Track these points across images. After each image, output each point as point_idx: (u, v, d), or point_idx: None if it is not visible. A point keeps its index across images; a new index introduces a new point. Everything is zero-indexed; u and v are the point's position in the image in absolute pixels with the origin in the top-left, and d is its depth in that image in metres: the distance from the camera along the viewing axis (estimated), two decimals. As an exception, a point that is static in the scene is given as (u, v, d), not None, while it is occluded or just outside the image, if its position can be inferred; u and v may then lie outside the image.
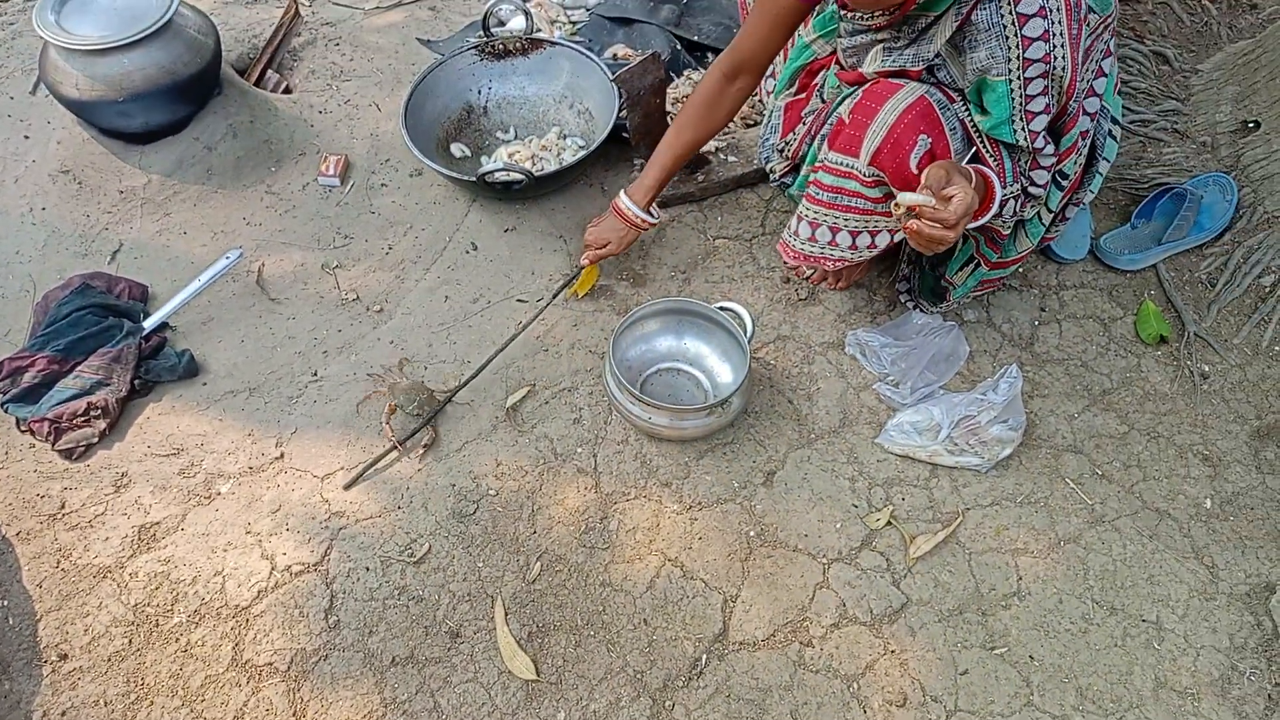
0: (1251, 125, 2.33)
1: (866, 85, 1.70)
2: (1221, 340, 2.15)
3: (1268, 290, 2.19)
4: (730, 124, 2.51)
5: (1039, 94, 1.58)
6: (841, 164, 1.69)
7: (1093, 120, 1.76)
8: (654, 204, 2.07)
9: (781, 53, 2.02)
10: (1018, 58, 1.53)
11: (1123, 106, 2.48)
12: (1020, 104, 1.59)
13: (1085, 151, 1.79)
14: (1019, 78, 1.55)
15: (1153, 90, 2.57)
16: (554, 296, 2.14)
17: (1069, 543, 1.85)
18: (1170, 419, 2.03)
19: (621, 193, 2.06)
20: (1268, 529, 1.87)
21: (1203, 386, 2.08)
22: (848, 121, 1.67)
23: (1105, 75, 1.75)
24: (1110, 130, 1.88)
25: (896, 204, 1.49)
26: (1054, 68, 1.55)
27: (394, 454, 1.92)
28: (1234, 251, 2.24)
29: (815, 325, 2.17)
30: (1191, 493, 1.92)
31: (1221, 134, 2.41)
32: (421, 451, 1.93)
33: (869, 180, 1.67)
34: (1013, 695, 1.66)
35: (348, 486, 1.88)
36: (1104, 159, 1.89)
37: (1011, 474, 1.94)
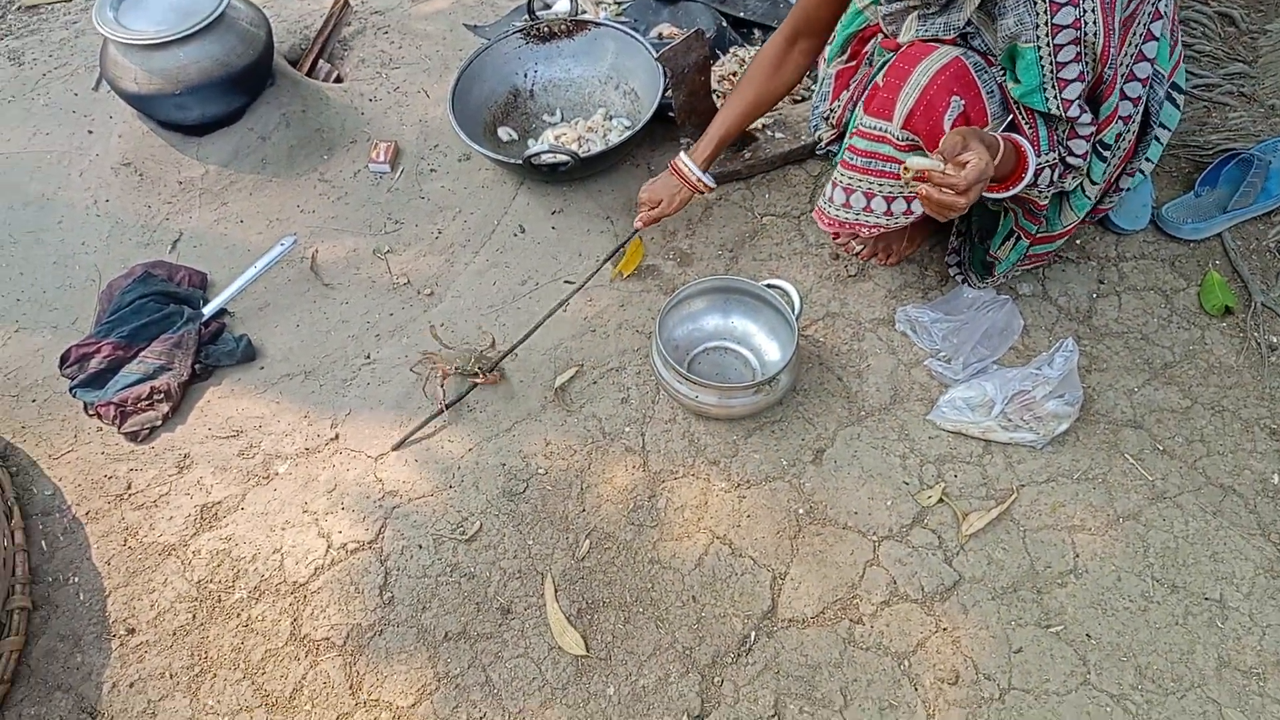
0: (1323, 86, 2.24)
1: (902, 49, 1.68)
2: (1291, 310, 2.07)
3: (1341, 258, 2.10)
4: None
5: (1071, 61, 1.54)
6: (875, 128, 1.67)
7: (1144, 86, 1.71)
8: (710, 169, 2.06)
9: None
10: (1046, 24, 1.50)
11: (1186, 71, 2.40)
12: (1051, 71, 1.55)
13: (1138, 119, 1.73)
14: (1048, 44, 1.52)
15: (1218, 53, 2.48)
16: (608, 258, 2.17)
17: (1128, 519, 1.80)
18: (1236, 392, 1.97)
19: (680, 152, 2.05)
20: (1340, 505, 1.80)
21: (1270, 358, 2.01)
22: (882, 85, 1.65)
23: (1156, 39, 1.69)
24: (1170, 95, 1.82)
25: (906, 167, 1.47)
26: (1085, 33, 1.50)
27: (442, 417, 1.97)
28: (1304, 218, 2.16)
29: (865, 302, 2.14)
30: (1258, 468, 1.86)
31: (1291, 97, 2.32)
32: (495, 380, 2.00)
33: (903, 144, 1.64)
34: (1069, 674, 1.63)
35: (396, 448, 1.92)
36: (1163, 126, 1.83)
37: (1068, 450, 1.90)
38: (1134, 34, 1.67)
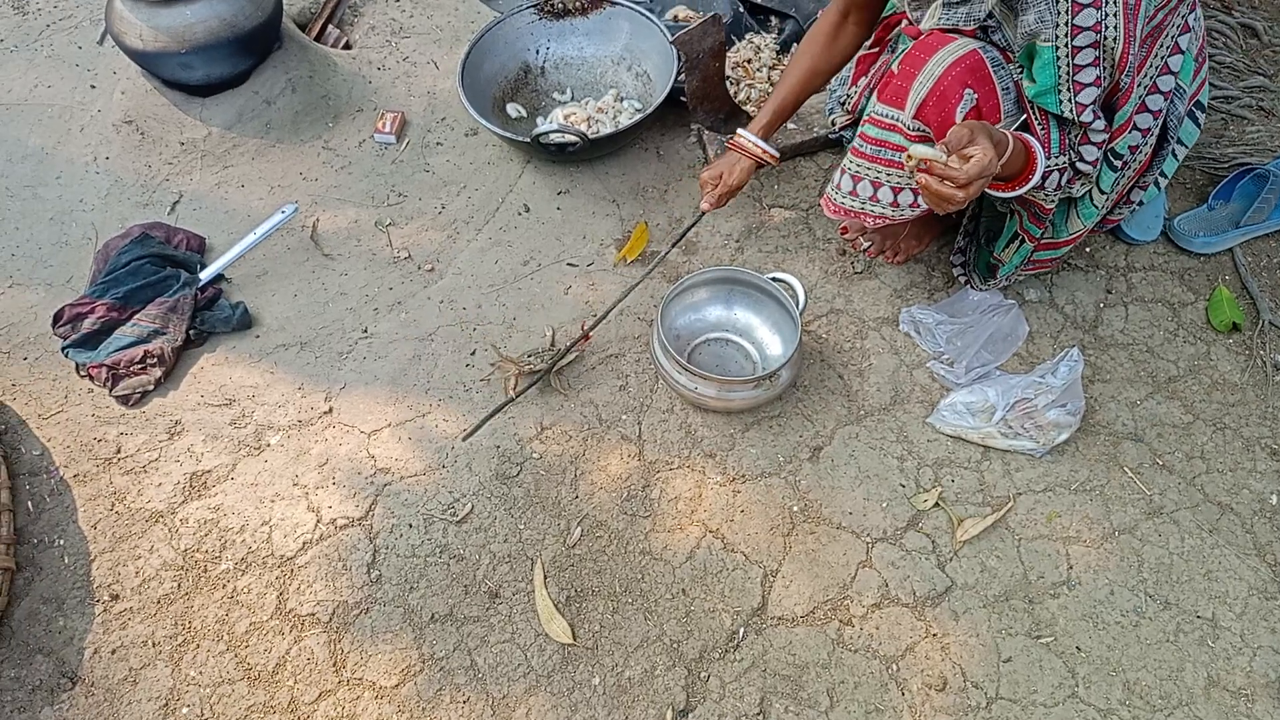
0: (1344, 104, 2.21)
1: (920, 38, 1.65)
2: (1298, 330, 2.06)
3: (1351, 279, 2.09)
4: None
5: (1089, 64, 1.51)
6: (887, 116, 1.64)
7: (1166, 99, 1.68)
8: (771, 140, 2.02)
9: None
10: (1066, 23, 1.47)
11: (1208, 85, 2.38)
12: (1067, 73, 1.52)
13: (1156, 133, 1.71)
14: (1066, 45, 1.49)
15: (1238, 65, 2.45)
16: (685, 231, 2.07)
17: (1124, 533, 1.79)
18: (1238, 410, 1.95)
19: (739, 129, 2.01)
20: (1336, 528, 1.79)
21: (1275, 378, 1.99)
22: (896, 73, 1.62)
23: (1181, 53, 1.66)
24: (1192, 113, 1.79)
25: (909, 155, 1.44)
26: (1104, 37, 1.47)
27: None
28: (1317, 237, 2.14)
29: (870, 300, 2.12)
30: (1257, 487, 1.85)
31: (1311, 113, 2.29)
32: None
33: (914, 134, 1.61)
34: (1057, 685, 1.63)
35: (466, 437, 1.87)
36: (1181, 143, 1.81)
37: (1067, 460, 1.88)
38: (1161, 46, 1.65)
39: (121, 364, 1.95)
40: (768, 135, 1.99)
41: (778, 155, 2.00)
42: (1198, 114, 1.80)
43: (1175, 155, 1.82)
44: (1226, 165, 2.28)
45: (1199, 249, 2.16)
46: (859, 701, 1.61)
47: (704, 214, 2.06)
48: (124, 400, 1.96)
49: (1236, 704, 1.61)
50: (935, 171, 1.41)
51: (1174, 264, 2.17)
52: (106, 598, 1.72)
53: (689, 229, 2.08)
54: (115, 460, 1.89)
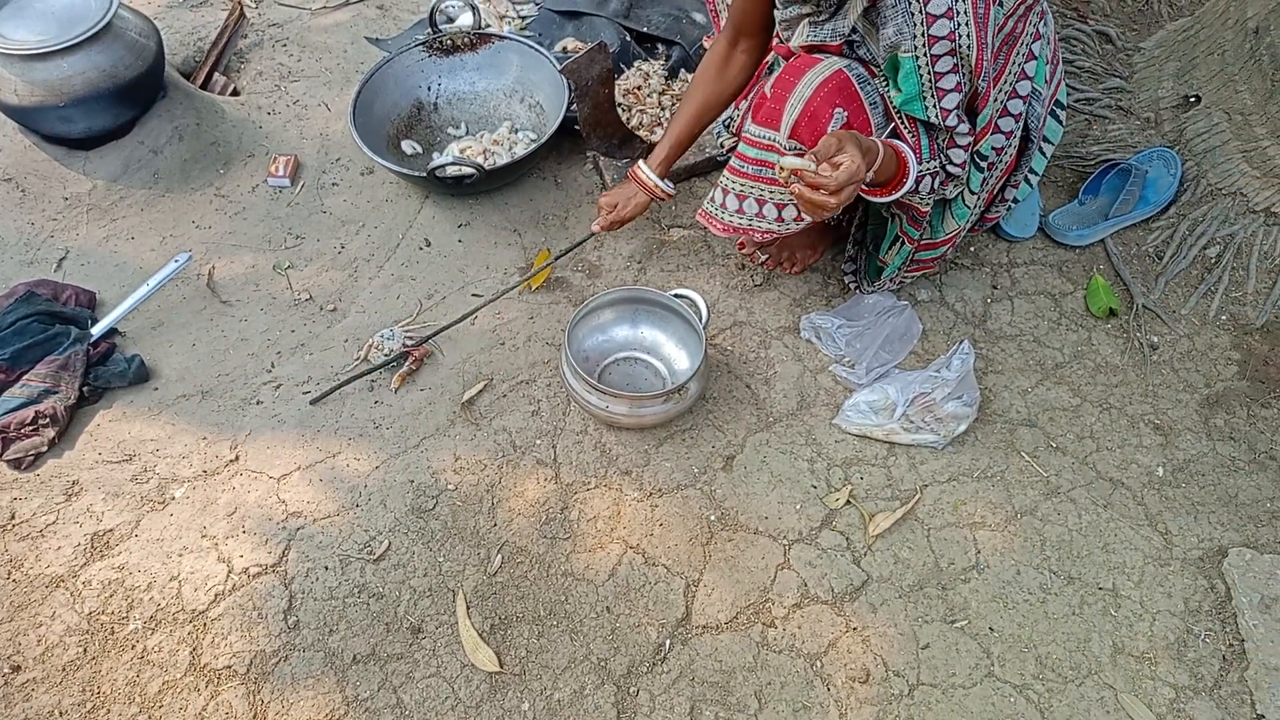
0: (1193, 100, 2.37)
1: (788, 61, 1.72)
2: (1169, 311, 2.18)
3: (1213, 261, 2.22)
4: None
5: (949, 71, 1.60)
6: (763, 137, 1.71)
7: (1025, 102, 1.78)
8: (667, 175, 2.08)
9: None
10: (923, 34, 1.55)
11: (1067, 86, 2.51)
12: (929, 80, 1.61)
13: (1018, 134, 1.81)
14: (925, 54, 1.58)
15: (1096, 68, 2.60)
16: (560, 255, 2.19)
17: (1026, 515, 1.87)
18: (1121, 390, 2.06)
19: (639, 160, 2.06)
20: (1218, 494, 1.90)
21: (1152, 357, 2.11)
22: (769, 95, 1.69)
23: (1035, 58, 1.77)
24: (1054, 111, 1.90)
25: (780, 167, 1.50)
26: (959, 45, 1.57)
27: (367, 379, 2.04)
28: (1179, 224, 2.28)
29: (771, 310, 2.18)
30: (1144, 461, 1.95)
31: (1164, 109, 2.44)
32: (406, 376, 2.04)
33: (790, 153, 1.69)
34: (974, 667, 1.68)
35: (314, 402, 1.98)
36: (1047, 140, 1.92)
37: (968, 450, 1.96)
38: (1016, 54, 1.75)
39: (12, 427, 1.88)
40: (666, 170, 2.06)
41: (673, 193, 2.09)
42: (1058, 111, 1.91)
43: (1043, 152, 1.93)
44: (1093, 162, 2.42)
45: (1073, 241, 2.28)
46: (786, 701, 1.64)
47: (592, 234, 2.15)
48: (15, 464, 1.89)
49: (1141, 668, 1.68)
50: (807, 181, 1.47)
51: (1052, 257, 2.28)
52: (7, 669, 1.65)
53: (576, 246, 2.18)
54: (9, 527, 1.81)
